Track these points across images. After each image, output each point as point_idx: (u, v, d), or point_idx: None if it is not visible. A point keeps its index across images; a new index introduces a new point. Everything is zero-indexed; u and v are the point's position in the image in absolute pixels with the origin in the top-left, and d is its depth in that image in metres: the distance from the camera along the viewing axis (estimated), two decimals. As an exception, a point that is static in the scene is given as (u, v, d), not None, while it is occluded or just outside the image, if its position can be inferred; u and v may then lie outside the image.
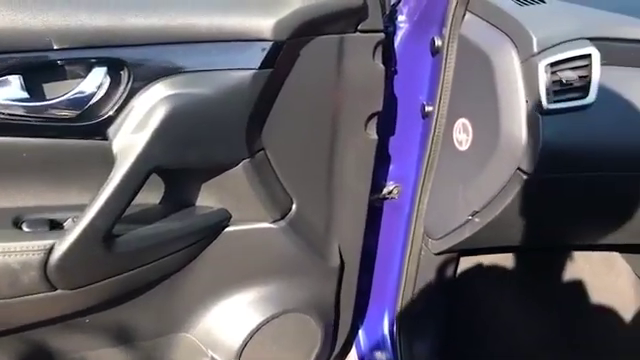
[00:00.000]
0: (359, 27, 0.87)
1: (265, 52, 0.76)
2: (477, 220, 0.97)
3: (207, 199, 0.87)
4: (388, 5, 0.96)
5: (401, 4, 1.00)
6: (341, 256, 1.04)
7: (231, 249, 0.92)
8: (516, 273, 1.33)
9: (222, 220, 0.88)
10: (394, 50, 1.02)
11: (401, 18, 1.02)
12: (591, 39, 0.86)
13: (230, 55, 0.77)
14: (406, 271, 1.15)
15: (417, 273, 1.15)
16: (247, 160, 0.82)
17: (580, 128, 0.84)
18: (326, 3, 0.80)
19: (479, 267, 1.29)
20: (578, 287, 1.41)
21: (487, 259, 1.29)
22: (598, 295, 1.42)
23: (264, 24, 0.76)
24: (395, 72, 1.05)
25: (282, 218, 0.92)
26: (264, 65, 0.77)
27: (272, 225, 0.91)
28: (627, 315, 1.39)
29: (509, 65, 0.84)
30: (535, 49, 0.81)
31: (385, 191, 1.15)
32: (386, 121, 1.07)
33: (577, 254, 1.39)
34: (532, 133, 0.82)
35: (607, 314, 1.39)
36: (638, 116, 0.86)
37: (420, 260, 1.14)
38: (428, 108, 1.03)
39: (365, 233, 1.08)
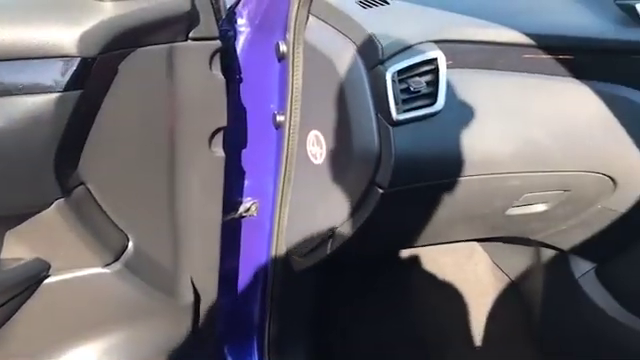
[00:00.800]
0: (190, 35, 0.76)
1: (70, 71, 0.63)
2: (338, 235, 0.92)
3: (17, 249, 0.71)
4: (224, 9, 0.86)
5: (240, 6, 0.91)
6: (195, 290, 0.93)
7: (58, 301, 0.78)
8: (382, 280, 1.32)
9: (37, 272, 0.73)
10: (236, 57, 0.93)
11: (241, 22, 0.93)
12: (437, 42, 0.84)
13: (26, 76, 0.63)
14: (271, 293, 1.07)
15: (283, 294, 1.08)
16: (61, 200, 0.68)
17: (432, 136, 0.82)
18: (145, 10, 0.69)
19: (345, 279, 1.25)
20: (440, 281, 1.45)
21: (352, 270, 1.26)
22: (460, 285, 1.47)
23: (67, 38, 0.63)
24: (240, 81, 0.96)
25: (116, 260, 0.79)
26: (70, 86, 0.64)
27: (104, 270, 0.78)
28: (486, 300, 1.46)
29: (355, 74, 0.79)
30: (380, 56, 0.76)
31: (242, 209, 1.06)
32: (237, 134, 0.98)
33: (442, 247, 1.43)
34: (384, 146, 0.78)
35: (467, 302, 1.44)
36: (485, 118, 0.85)
37: (285, 280, 1.07)
38: (280, 118, 0.95)
39: (223, 258, 0.98)
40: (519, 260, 1.38)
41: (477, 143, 0.85)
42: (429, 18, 0.87)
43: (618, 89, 0.94)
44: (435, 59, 0.81)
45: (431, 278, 1.48)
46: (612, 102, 0.92)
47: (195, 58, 0.78)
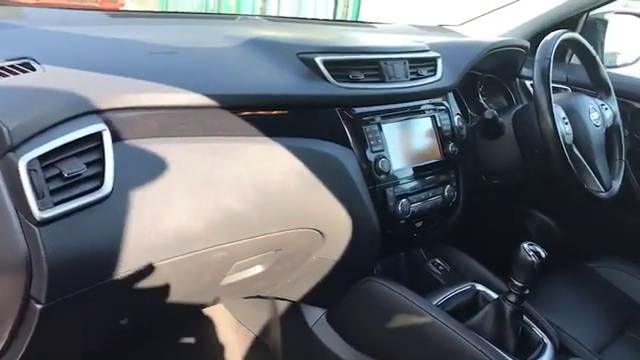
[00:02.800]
0: None
1: None
2: None
3: None
4: None
5: None
6: None
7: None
8: None
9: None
10: None
11: None
12: (100, 112, 0.71)
13: None
14: None
15: None
16: None
17: (102, 226, 0.68)
18: None
19: None
20: (188, 350, 1.33)
21: None
22: (207, 349, 1.37)
23: None
24: None
25: None
26: None
27: None
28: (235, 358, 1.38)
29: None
30: (8, 142, 0.60)
31: None
32: None
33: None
34: (33, 250, 0.62)
35: None
36: (171, 194, 0.75)
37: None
38: None
39: None
40: (259, 314, 1.33)
41: (165, 223, 0.75)
42: (90, 84, 0.74)
43: (308, 142, 0.94)
44: (98, 133, 0.69)
45: (175, 349, 1.35)
46: (305, 157, 0.91)
47: None
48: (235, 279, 0.96)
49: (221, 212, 0.81)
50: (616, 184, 1.24)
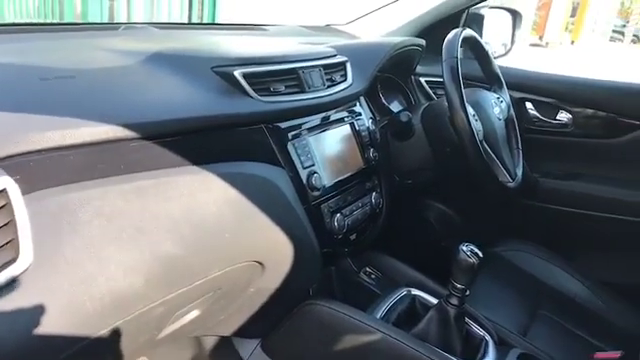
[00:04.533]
0: None
1: None
2: None
3: None
4: None
5: None
6: None
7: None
8: None
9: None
10: None
11: None
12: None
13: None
14: None
15: None
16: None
17: (21, 308, 0.54)
18: None
19: None
20: None
21: None
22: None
23: None
24: None
25: None
26: None
27: None
28: None
29: None
30: None
31: None
32: None
33: None
34: None
35: None
36: (101, 251, 0.62)
37: None
38: None
39: None
40: (183, 355, 1.20)
41: (100, 286, 0.62)
42: None
43: (239, 166, 0.85)
44: (2, 190, 0.54)
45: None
46: (238, 182, 0.81)
47: None
48: (170, 330, 0.84)
49: (160, 261, 0.69)
50: (519, 172, 1.31)
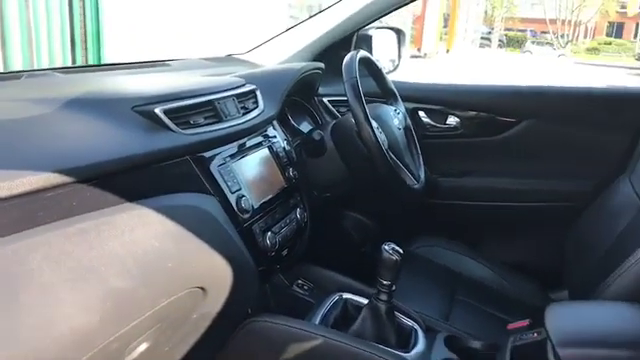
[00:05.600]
0: None
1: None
2: None
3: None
4: None
5: None
6: None
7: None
8: None
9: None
10: None
11: None
12: None
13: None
14: None
15: None
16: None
17: None
18: None
19: None
20: None
21: None
22: None
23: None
24: None
25: None
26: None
27: None
28: None
29: None
30: None
31: None
32: None
33: None
34: None
35: None
36: (53, 295, 0.64)
37: None
38: None
39: None
40: None
41: (60, 327, 0.64)
42: None
43: (172, 198, 0.88)
44: None
45: None
46: (173, 214, 0.85)
47: None
48: (123, 364, 0.86)
49: (112, 297, 0.71)
50: (422, 174, 1.45)
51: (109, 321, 0.71)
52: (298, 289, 1.29)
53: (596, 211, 1.54)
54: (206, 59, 1.69)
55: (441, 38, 20.66)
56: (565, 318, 1.02)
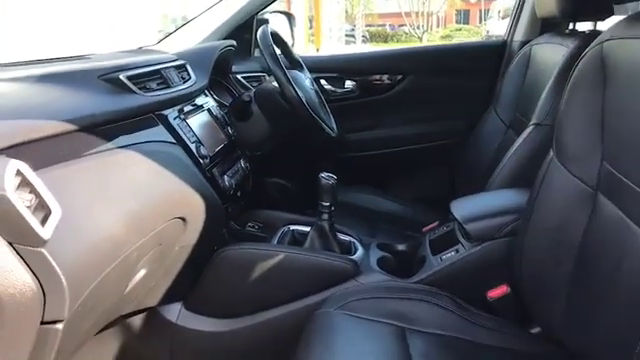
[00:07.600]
0: None
1: None
2: None
3: None
4: None
5: None
6: None
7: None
8: None
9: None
10: None
11: None
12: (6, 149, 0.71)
13: None
14: None
15: None
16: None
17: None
18: None
19: None
20: None
21: None
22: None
23: None
24: None
25: None
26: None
27: None
28: None
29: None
30: None
31: None
32: None
33: None
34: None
35: None
36: (95, 205, 0.80)
37: None
38: None
39: None
40: (122, 338, 1.31)
41: (103, 233, 0.81)
42: None
43: (151, 146, 1.06)
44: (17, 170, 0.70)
45: None
46: (155, 157, 1.03)
47: None
48: (131, 286, 1.01)
49: (128, 214, 0.88)
50: (334, 125, 1.71)
51: (129, 232, 0.88)
52: (252, 229, 1.49)
53: (473, 141, 1.90)
54: (122, 52, 1.81)
55: (309, 39, 21.35)
56: (466, 204, 1.33)
